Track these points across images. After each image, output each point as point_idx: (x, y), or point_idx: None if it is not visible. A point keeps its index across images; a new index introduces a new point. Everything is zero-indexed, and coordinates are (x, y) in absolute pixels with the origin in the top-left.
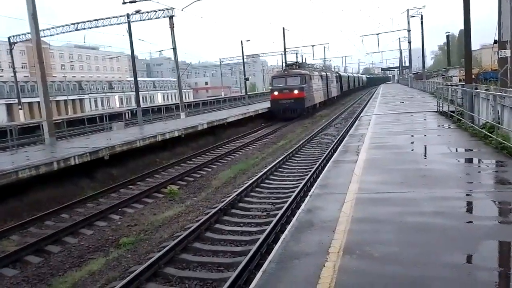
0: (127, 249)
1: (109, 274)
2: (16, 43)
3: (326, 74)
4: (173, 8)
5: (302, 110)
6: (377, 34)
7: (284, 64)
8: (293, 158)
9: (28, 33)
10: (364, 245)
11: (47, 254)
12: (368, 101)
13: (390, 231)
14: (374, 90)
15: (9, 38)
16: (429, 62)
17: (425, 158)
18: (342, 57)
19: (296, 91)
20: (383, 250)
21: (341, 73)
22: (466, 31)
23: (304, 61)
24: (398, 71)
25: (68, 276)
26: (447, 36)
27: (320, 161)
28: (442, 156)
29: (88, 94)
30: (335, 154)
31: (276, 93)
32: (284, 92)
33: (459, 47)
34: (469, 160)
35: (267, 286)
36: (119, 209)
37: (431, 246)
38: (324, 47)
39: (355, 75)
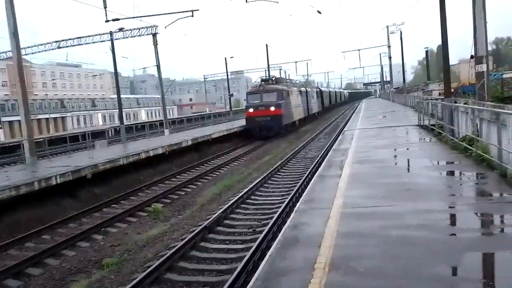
0: (110, 270)
1: None
2: None
3: (306, 89)
4: (157, 26)
5: (279, 128)
6: (358, 50)
7: (260, 80)
8: (278, 173)
9: (9, 51)
10: (349, 260)
11: (27, 277)
12: (351, 116)
13: (374, 245)
14: (357, 104)
15: None
16: (409, 77)
17: (408, 172)
18: (324, 72)
19: (272, 108)
20: (368, 265)
21: (322, 89)
22: (444, 47)
23: (287, 77)
24: (380, 86)
25: None
26: (426, 52)
27: (305, 176)
28: (425, 169)
29: (70, 112)
30: (320, 169)
31: (251, 110)
32: (260, 109)
33: (438, 62)
34: (451, 173)
35: None
36: (102, 229)
37: (416, 259)
38: (307, 63)
39: (336, 90)
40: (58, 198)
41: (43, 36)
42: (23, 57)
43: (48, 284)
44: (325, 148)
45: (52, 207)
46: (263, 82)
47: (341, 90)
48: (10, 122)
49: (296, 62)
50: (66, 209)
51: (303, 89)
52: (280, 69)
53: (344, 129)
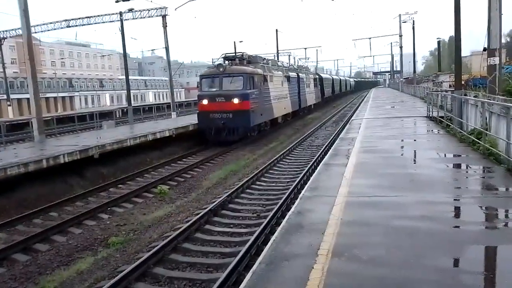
0: (116, 249)
1: (97, 274)
2: (5, 38)
3: (298, 75)
4: (166, 7)
5: (246, 129)
6: (369, 38)
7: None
8: (284, 160)
9: (19, 28)
10: (353, 248)
11: (35, 252)
12: (358, 105)
13: (378, 234)
14: (365, 94)
15: None
16: (420, 67)
17: (414, 163)
18: (334, 60)
19: (236, 100)
20: (371, 253)
21: (323, 75)
22: (457, 38)
23: (296, 63)
24: (390, 76)
25: (56, 274)
26: (438, 42)
27: (310, 164)
28: (431, 161)
29: (78, 91)
30: (326, 157)
31: (205, 101)
32: (218, 101)
33: (450, 53)
34: (457, 166)
35: (256, 287)
36: (108, 208)
37: (418, 250)
38: (317, 49)
39: (341, 78)
40: (65, 176)
41: (53, 15)
42: (32, 35)
43: (55, 260)
44: (332, 137)
45: (59, 186)
46: (226, 61)
47: (347, 78)
48: (19, 100)
49: (305, 48)
50: (73, 187)
51: (293, 74)
52: (289, 55)
53: (351, 118)
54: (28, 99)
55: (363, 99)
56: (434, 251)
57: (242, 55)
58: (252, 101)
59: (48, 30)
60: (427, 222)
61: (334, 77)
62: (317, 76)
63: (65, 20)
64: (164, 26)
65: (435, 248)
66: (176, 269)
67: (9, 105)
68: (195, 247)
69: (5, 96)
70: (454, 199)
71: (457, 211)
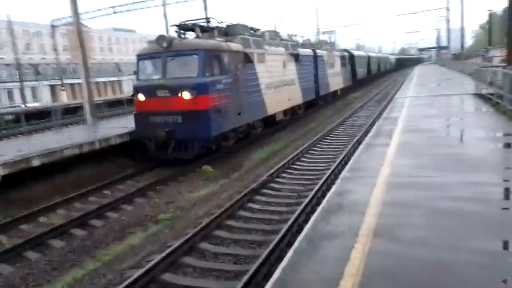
0: (164, 225)
1: (148, 248)
2: (57, 26)
3: (315, 52)
4: None
5: (205, 141)
6: (414, 13)
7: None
8: (324, 140)
9: (69, 16)
10: (394, 229)
11: (91, 227)
12: (401, 85)
13: (420, 216)
14: (409, 72)
15: (51, 22)
16: (469, 42)
17: (461, 142)
18: (377, 37)
19: (186, 94)
20: (413, 234)
21: (355, 52)
22: (510, 9)
23: (332, 41)
24: (436, 52)
25: (111, 249)
26: (490, 15)
27: (351, 144)
28: (479, 140)
29: (126, 76)
30: (367, 137)
31: (141, 97)
32: (160, 97)
33: (502, 26)
34: (507, 145)
35: (297, 263)
36: (157, 187)
37: (463, 232)
38: (358, 27)
39: (380, 55)
40: (116, 157)
41: (99, 2)
42: (81, 22)
43: (109, 234)
44: (374, 116)
45: (111, 166)
46: (179, 29)
47: (387, 55)
48: (72, 85)
49: (347, 26)
50: (124, 168)
51: (304, 51)
52: (329, 34)
53: (395, 97)
54: (80, 83)
55: (407, 77)
56: (481, 233)
57: (208, 21)
58: (216, 94)
59: (96, 17)
60: (474, 204)
61: (371, 54)
62: (346, 54)
63: (112, 7)
64: (205, 8)
65: (482, 231)
66: (221, 245)
67: (63, 90)
68: (238, 224)
69: (59, 82)
70: (504, 180)
71: (507, 193)
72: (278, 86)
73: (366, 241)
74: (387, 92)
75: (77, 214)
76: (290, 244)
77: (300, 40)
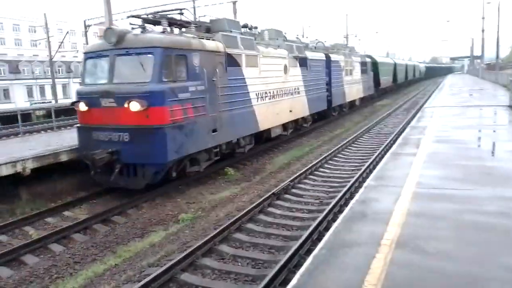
0: (185, 225)
1: (168, 247)
2: (90, 25)
3: (328, 57)
4: None
5: (158, 166)
6: (447, 21)
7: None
8: (349, 148)
9: (102, 16)
10: (418, 240)
11: (113, 224)
12: (432, 93)
13: (447, 228)
14: (440, 81)
15: (84, 21)
16: (505, 52)
17: (492, 155)
18: (407, 45)
19: (135, 105)
20: (438, 247)
21: (379, 59)
22: None
23: (351, 46)
24: (469, 61)
25: (132, 245)
26: None
27: (377, 153)
28: (511, 154)
29: None
30: (394, 146)
31: (83, 107)
32: (104, 107)
33: None
34: None
35: (316, 270)
36: (179, 186)
37: (491, 247)
38: (388, 34)
39: (408, 63)
40: None
41: (132, 3)
42: (114, 21)
43: (130, 231)
44: (401, 126)
45: None
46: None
47: (416, 63)
48: None
49: (377, 32)
50: None
51: (314, 55)
52: (359, 39)
53: (424, 106)
54: None
55: (437, 86)
56: (510, 249)
57: (181, 13)
58: (179, 106)
59: (127, 18)
60: (505, 219)
61: (398, 61)
62: (368, 60)
63: (143, 8)
64: (234, 12)
65: (511, 247)
66: (240, 248)
67: None
68: (258, 228)
69: None
70: None
71: None
72: (275, 96)
73: (388, 251)
74: (416, 101)
75: (100, 210)
76: (309, 252)
77: (313, 43)
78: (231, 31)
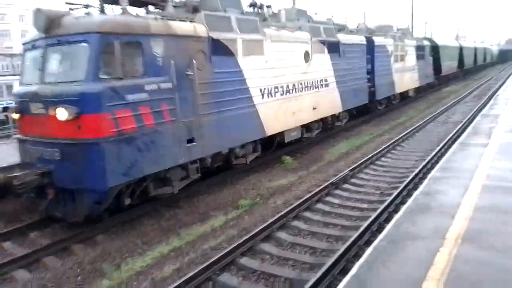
0: (244, 210)
1: (228, 232)
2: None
3: (371, 40)
4: None
5: (96, 194)
6: None
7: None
8: (411, 137)
9: None
10: (487, 235)
11: (178, 208)
12: (506, 80)
13: None
14: None
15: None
16: None
17: None
18: (480, 27)
19: (62, 113)
20: (508, 243)
21: (440, 42)
22: None
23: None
24: None
25: (193, 229)
26: None
27: (444, 142)
28: None
29: None
30: (463, 136)
31: (15, 113)
32: (35, 114)
33: None
34: None
35: (376, 262)
36: (236, 176)
37: None
38: (458, 17)
39: (477, 46)
40: None
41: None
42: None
43: (193, 215)
44: (472, 113)
45: None
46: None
47: (486, 46)
48: None
49: (445, 15)
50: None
51: (351, 39)
52: (425, 23)
53: (497, 93)
54: None
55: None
56: None
57: None
58: (127, 111)
59: None
60: None
61: (465, 44)
62: (426, 44)
63: None
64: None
65: None
66: (298, 236)
67: None
68: (316, 216)
69: None
70: None
71: None
72: (291, 90)
73: (453, 245)
74: (488, 87)
75: (166, 194)
76: (369, 243)
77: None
78: (225, 10)
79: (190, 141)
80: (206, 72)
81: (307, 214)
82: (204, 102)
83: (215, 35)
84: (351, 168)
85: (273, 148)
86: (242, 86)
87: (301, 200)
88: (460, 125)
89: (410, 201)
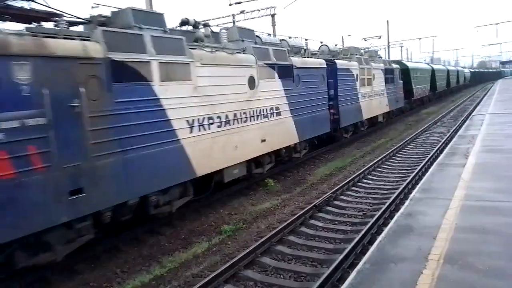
0: (228, 236)
1: (211, 258)
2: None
3: (333, 63)
4: (275, 7)
5: None
6: (496, 24)
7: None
8: (393, 158)
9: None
10: (468, 256)
11: (160, 235)
12: (481, 99)
13: (498, 244)
14: (490, 86)
15: None
16: None
17: None
18: (452, 50)
19: None
20: (488, 263)
21: (410, 64)
22: None
23: (408, 55)
24: None
25: (175, 256)
26: None
27: (423, 163)
28: None
29: None
30: (441, 157)
31: None
32: None
33: None
34: None
35: (361, 286)
36: (219, 200)
37: None
38: (433, 39)
39: (449, 68)
40: None
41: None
42: None
43: (175, 242)
44: (449, 134)
45: None
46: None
47: (459, 68)
48: None
49: (420, 38)
50: None
51: (307, 62)
52: (401, 47)
53: (473, 113)
54: None
55: (486, 93)
56: None
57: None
58: None
59: None
60: None
61: (436, 67)
62: (395, 66)
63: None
64: (273, 25)
65: None
66: (281, 261)
67: None
68: (300, 240)
69: None
70: None
71: None
72: (232, 121)
73: (436, 266)
74: (464, 108)
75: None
76: (353, 265)
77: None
78: (140, 28)
79: (75, 192)
80: (103, 102)
81: (291, 237)
82: (98, 140)
83: (117, 56)
84: (333, 190)
85: (210, 190)
86: (160, 118)
87: (284, 224)
88: (438, 146)
89: (392, 222)
